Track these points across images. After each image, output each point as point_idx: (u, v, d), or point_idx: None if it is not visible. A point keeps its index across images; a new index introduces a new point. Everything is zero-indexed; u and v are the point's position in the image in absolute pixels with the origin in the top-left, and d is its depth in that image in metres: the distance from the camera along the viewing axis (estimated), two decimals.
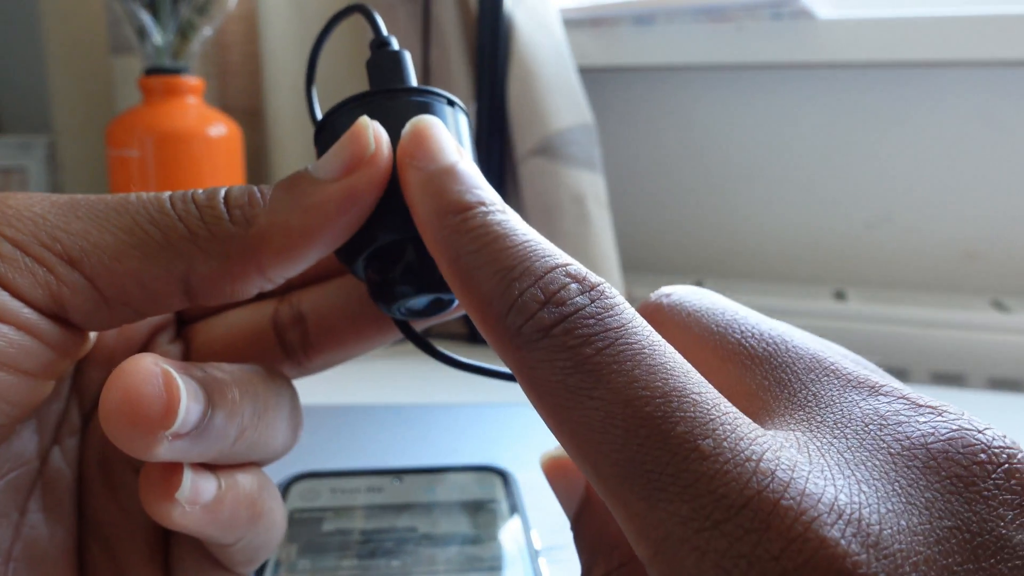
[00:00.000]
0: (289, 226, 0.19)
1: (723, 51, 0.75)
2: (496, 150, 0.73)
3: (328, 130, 0.22)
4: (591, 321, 0.16)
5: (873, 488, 0.13)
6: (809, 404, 0.16)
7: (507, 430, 0.49)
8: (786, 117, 0.78)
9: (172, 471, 0.18)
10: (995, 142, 0.73)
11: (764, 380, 0.17)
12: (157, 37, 0.64)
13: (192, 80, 0.65)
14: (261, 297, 0.23)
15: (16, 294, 0.17)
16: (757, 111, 0.78)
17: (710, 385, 0.15)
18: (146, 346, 0.23)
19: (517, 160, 0.72)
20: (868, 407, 0.15)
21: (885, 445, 0.14)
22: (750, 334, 0.18)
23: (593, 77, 0.76)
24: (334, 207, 0.19)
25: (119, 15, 0.65)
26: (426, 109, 0.22)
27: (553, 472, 0.21)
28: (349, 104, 0.22)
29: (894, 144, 0.75)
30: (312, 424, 0.51)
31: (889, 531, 0.13)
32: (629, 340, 0.15)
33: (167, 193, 0.19)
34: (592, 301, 0.16)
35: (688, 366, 0.15)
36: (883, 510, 0.13)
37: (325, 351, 0.24)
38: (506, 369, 0.24)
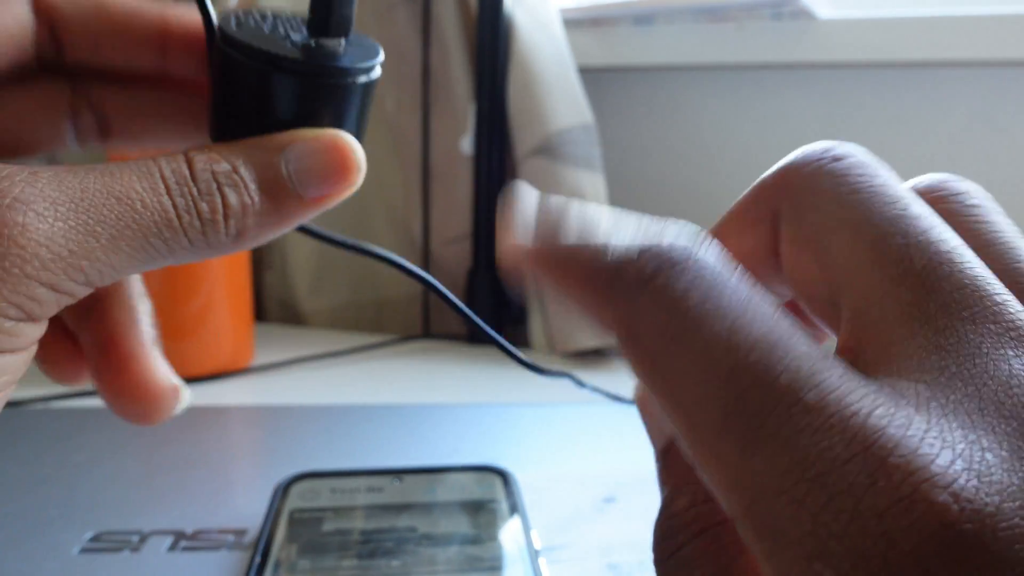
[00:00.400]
0: (269, 232, 0.21)
1: (723, 51, 0.75)
2: (496, 150, 0.73)
3: (234, 69, 0.21)
4: (693, 270, 0.15)
5: (999, 458, 0.12)
6: (950, 348, 0.14)
7: (507, 430, 0.49)
8: (786, 117, 0.78)
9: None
10: (996, 142, 0.73)
11: (909, 305, 0.15)
12: None
13: None
14: (45, 74, 0.23)
15: (35, 320, 0.18)
16: (757, 111, 0.78)
17: (814, 340, 0.14)
18: None
19: (517, 160, 0.72)
20: (1016, 365, 0.14)
21: (1016, 412, 0.13)
22: (916, 241, 0.16)
23: (593, 77, 0.76)
24: (306, 217, 0.21)
25: None
26: (340, 93, 0.22)
27: (644, 403, 0.21)
28: (270, 65, 0.21)
29: (894, 144, 0.75)
30: (312, 424, 0.51)
31: (1010, 505, 0.12)
32: (731, 289, 0.15)
33: (169, 198, 0.19)
34: (692, 254, 0.16)
35: (792, 318, 0.15)
36: (1007, 481, 0.12)
37: (120, 141, 0.25)
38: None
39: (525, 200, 0.19)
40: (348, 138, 0.21)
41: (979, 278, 0.15)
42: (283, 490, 0.37)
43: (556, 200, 0.19)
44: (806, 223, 0.18)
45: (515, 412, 0.51)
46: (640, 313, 0.15)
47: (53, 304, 0.18)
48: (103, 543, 0.36)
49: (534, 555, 0.33)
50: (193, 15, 0.23)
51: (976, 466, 0.12)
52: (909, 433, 0.12)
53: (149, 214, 0.19)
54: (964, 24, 0.68)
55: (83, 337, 0.23)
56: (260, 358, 0.67)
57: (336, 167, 0.21)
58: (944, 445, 0.12)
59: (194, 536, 0.36)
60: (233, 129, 0.22)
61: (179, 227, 0.19)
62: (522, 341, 0.77)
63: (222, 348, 0.63)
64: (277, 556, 0.33)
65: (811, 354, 0.14)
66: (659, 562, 0.17)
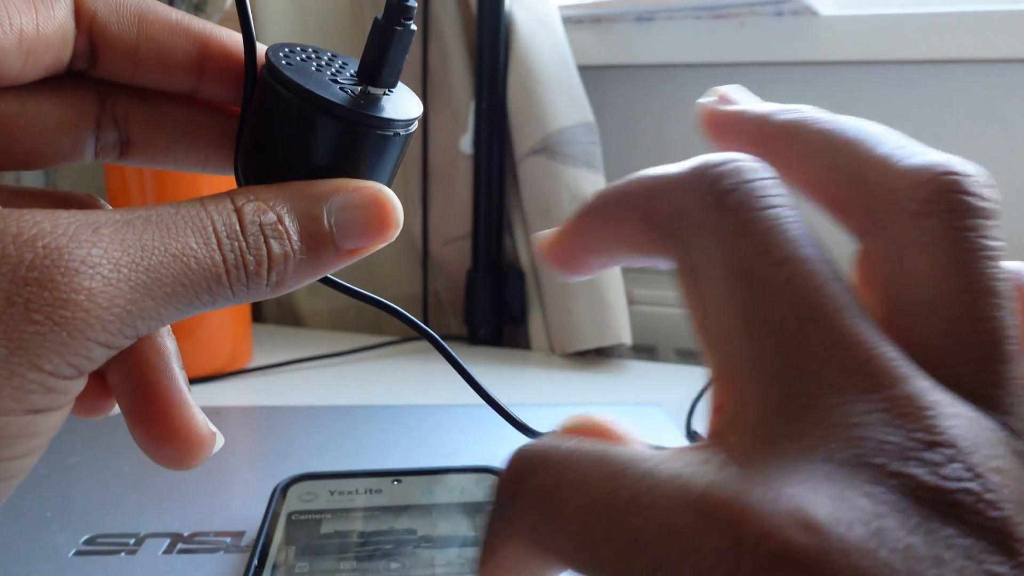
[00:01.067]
0: (304, 280, 0.21)
1: (725, 49, 0.75)
2: (496, 149, 0.73)
3: (279, 105, 0.21)
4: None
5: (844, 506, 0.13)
6: (790, 410, 0.15)
7: (507, 431, 0.49)
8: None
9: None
10: (999, 140, 0.72)
11: (756, 364, 0.15)
12: None
13: None
14: (73, 85, 0.23)
15: (84, 375, 0.18)
16: None
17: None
18: None
19: (517, 159, 0.72)
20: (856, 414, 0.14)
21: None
22: (778, 297, 0.16)
23: (594, 75, 0.76)
24: (341, 265, 0.21)
25: None
26: (382, 143, 0.22)
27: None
28: (318, 107, 0.21)
29: None
30: (311, 425, 0.51)
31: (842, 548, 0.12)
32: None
33: (220, 253, 0.19)
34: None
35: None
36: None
37: (138, 157, 0.24)
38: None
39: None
40: (389, 193, 0.21)
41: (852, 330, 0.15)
42: (281, 492, 0.37)
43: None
44: (694, 270, 0.17)
45: (515, 413, 0.51)
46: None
47: (103, 359, 0.18)
48: (99, 546, 0.35)
49: None
50: (235, 39, 0.23)
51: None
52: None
53: (202, 271, 0.19)
54: (967, 21, 0.68)
55: (112, 376, 0.23)
56: (259, 359, 0.66)
57: (377, 222, 0.21)
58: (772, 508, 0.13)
59: (191, 538, 0.36)
60: (267, 167, 0.22)
61: (226, 282, 0.19)
62: (522, 342, 0.76)
63: (221, 349, 0.63)
64: (275, 558, 0.32)
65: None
66: None
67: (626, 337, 0.69)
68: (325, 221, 0.20)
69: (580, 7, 0.78)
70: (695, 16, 0.75)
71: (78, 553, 0.35)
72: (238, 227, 0.19)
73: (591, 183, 0.70)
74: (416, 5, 0.22)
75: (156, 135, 0.24)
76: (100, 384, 0.23)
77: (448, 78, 0.75)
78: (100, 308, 0.17)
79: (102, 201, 0.24)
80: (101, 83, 0.23)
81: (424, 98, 0.75)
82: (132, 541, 0.36)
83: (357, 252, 0.21)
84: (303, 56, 0.22)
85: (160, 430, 0.22)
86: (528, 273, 0.75)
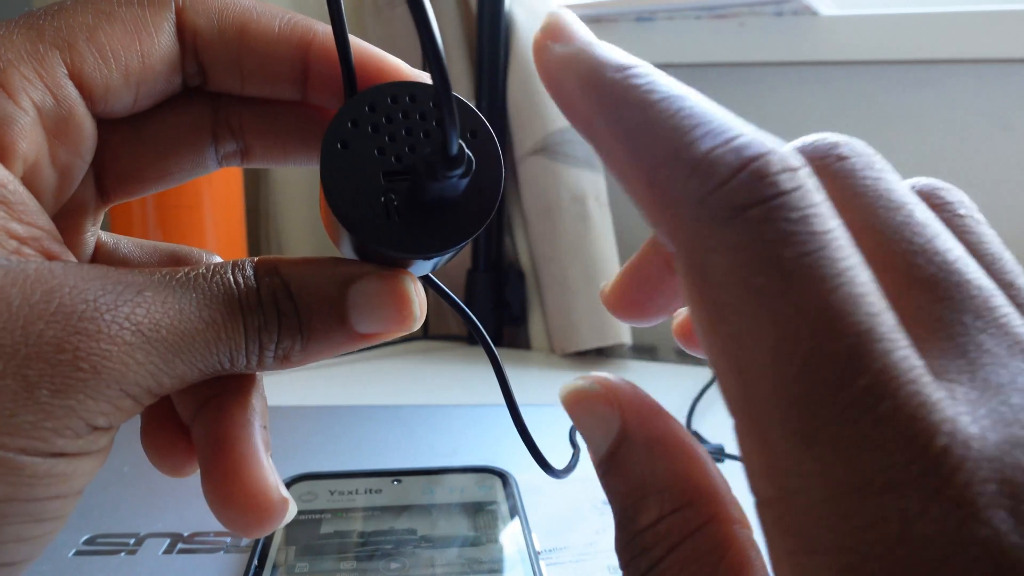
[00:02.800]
0: (316, 357, 0.21)
1: (725, 49, 0.75)
2: None
3: (344, 187, 0.19)
4: (794, 215, 0.13)
5: None
6: (971, 354, 0.14)
7: (507, 431, 0.49)
8: (789, 115, 0.77)
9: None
10: (1001, 140, 0.72)
11: (923, 311, 0.14)
12: None
13: None
14: (188, 103, 0.23)
15: (112, 428, 0.18)
16: (760, 109, 0.78)
17: (900, 327, 0.13)
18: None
19: (517, 159, 0.72)
20: None
21: None
22: (920, 248, 0.15)
23: None
24: (359, 346, 0.21)
25: None
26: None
27: (579, 406, 0.18)
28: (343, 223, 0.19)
29: (898, 143, 0.75)
30: (311, 425, 0.51)
31: None
32: (834, 254, 0.13)
33: (243, 334, 0.19)
34: (798, 187, 0.13)
35: (884, 302, 0.13)
36: None
37: (258, 161, 0.25)
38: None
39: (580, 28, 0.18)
40: (410, 288, 0.21)
41: (985, 288, 0.15)
42: None
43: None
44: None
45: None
46: (721, 247, 0.13)
47: (130, 413, 0.18)
48: (99, 546, 0.35)
49: (534, 557, 0.32)
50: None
51: (1018, 493, 0.12)
52: (966, 456, 0.12)
53: (227, 342, 0.19)
54: (968, 21, 0.68)
55: (195, 430, 0.22)
56: None
57: (394, 314, 0.21)
58: (992, 472, 0.12)
59: (191, 538, 0.36)
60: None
61: (243, 351, 0.20)
62: (522, 342, 0.76)
63: None
64: (275, 559, 0.32)
65: (897, 351, 0.13)
66: None
67: (626, 337, 0.69)
68: (342, 303, 0.20)
69: (580, 7, 0.78)
70: (695, 16, 0.75)
71: (78, 553, 0.35)
72: (259, 303, 0.20)
73: (591, 183, 0.70)
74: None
75: (271, 140, 0.24)
76: (183, 439, 0.23)
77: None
78: (137, 364, 0.18)
79: (211, 255, 0.25)
80: (215, 96, 0.23)
81: None
82: (132, 541, 0.36)
83: (373, 337, 0.21)
84: (373, 126, 0.20)
85: (229, 488, 0.21)
86: (528, 273, 0.75)
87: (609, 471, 0.17)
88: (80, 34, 0.20)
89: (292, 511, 0.22)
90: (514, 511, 0.36)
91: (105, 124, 0.22)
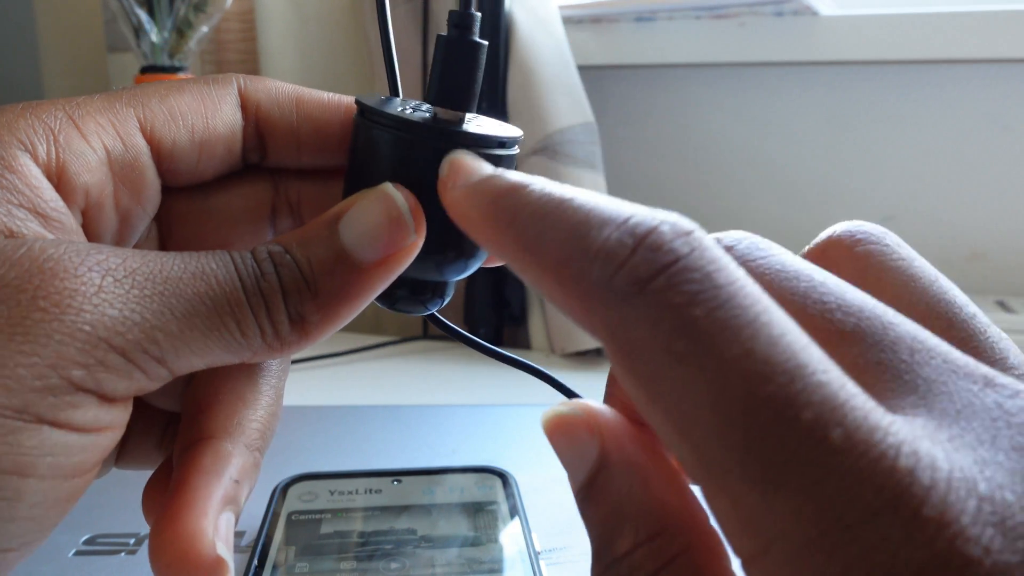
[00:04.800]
0: (337, 313, 0.20)
1: (725, 49, 0.75)
2: None
3: (365, 144, 0.22)
4: (696, 275, 0.13)
5: (1015, 495, 0.12)
6: (920, 388, 0.14)
7: (507, 431, 0.49)
8: (789, 115, 0.77)
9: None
10: (1001, 141, 0.72)
11: (860, 359, 0.15)
12: (154, 35, 0.64)
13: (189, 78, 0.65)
14: (249, 178, 0.24)
15: (111, 398, 0.17)
16: (759, 109, 0.78)
17: (830, 360, 0.13)
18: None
19: (517, 159, 0.72)
20: (988, 399, 0.14)
21: (1019, 445, 0.13)
22: (835, 306, 0.15)
23: (594, 76, 0.76)
24: (376, 284, 0.20)
25: (115, 13, 0.65)
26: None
27: (559, 432, 0.18)
28: (395, 128, 0.21)
29: (898, 143, 0.75)
30: (311, 425, 0.51)
31: None
32: (743, 302, 0.13)
33: (239, 282, 0.19)
34: (693, 249, 0.14)
35: (806, 337, 0.13)
36: None
37: None
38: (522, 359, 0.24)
39: (472, 161, 0.19)
40: (388, 187, 0.21)
41: (909, 327, 0.15)
42: (281, 492, 0.37)
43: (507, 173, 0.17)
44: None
45: (515, 413, 0.51)
46: (635, 322, 0.14)
47: (125, 377, 0.17)
48: (98, 546, 0.35)
49: (535, 557, 0.32)
50: None
51: (1000, 510, 0.12)
52: (936, 477, 0.12)
53: (222, 291, 0.18)
54: (968, 21, 0.68)
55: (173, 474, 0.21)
56: None
57: (380, 221, 0.20)
58: (968, 488, 0.12)
59: None
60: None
61: (247, 307, 0.19)
62: (522, 342, 0.76)
63: None
64: (275, 558, 0.32)
65: (833, 381, 0.13)
66: None
67: None
68: (335, 240, 0.20)
69: (580, 7, 0.78)
70: (695, 16, 0.75)
71: (78, 553, 0.35)
72: (251, 256, 0.19)
73: (591, 183, 0.70)
74: (478, 15, 0.21)
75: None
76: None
77: None
78: (110, 307, 0.17)
79: None
80: (274, 172, 0.24)
81: (424, 98, 0.75)
82: (132, 541, 0.36)
83: (385, 264, 0.20)
84: (410, 104, 0.22)
85: (163, 534, 0.19)
86: None
87: (587, 499, 0.17)
88: (152, 98, 0.21)
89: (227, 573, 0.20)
90: (514, 511, 0.36)
91: (173, 192, 0.23)
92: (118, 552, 0.35)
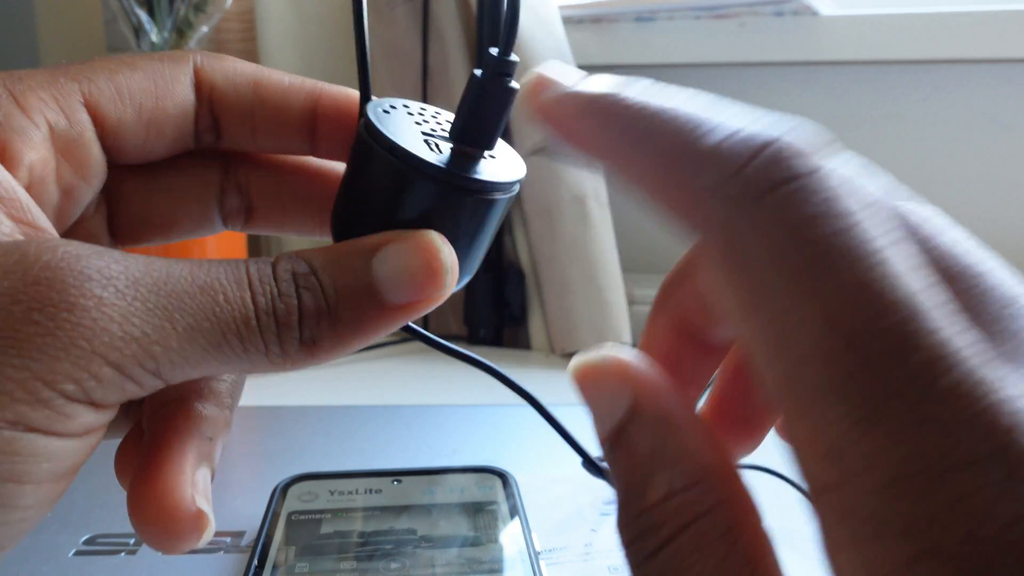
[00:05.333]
0: (350, 343, 0.19)
1: (725, 49, 0.75)
2: None
3: (377, 172, 0.20)
4: (820, 196, 0.13)
5: None
6: (1010, 341, 0.13)
7: (507, 431, 0.49)
8: (788, 115, 0.77)
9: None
10: (1000, 140, 0.72)
11: (992, 309, 0.14)
12: (153, 35, 0.64)
13: None
14: (200, 157, 0.24)
15: (100, 407, 0.17)
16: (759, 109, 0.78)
17: (954, 304, 0.13)
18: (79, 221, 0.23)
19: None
20: None
21: None
22: (935, 243, 0.15)
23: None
24: (394, 324, 0.20)
25: (115, 12, 0.65)
26: (485, 208, 0.21)
27: (589, 380, 0.18)
28: (415, 169, 0.20)
29: (898, 143, 0.75)
30: (311, 425, 0.51)
31: None
32: (866, 233, 0.13)
33: (251, 294, 0.18)
34: (817, 169, 0.13)
35: (933, 277, 0.13)
36: None
37: (261, 226, 0.25)
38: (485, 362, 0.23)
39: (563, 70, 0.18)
40: (436, 238, 0.20)
41: (1009, 279, 0.15)
42: (281, 492, 0.37)
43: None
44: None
45: (515, 413, 0.51)
46: (752, 229, 0.13)
47: (117, 389, 0.17)
48: (98, 546, 0.35)
49: (535, 557, 0.32)
50: (347, 95, 0.23)
51: None
52: None
53: (230, 308, 0.18)
54: (967, 21, 0.68)
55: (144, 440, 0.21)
56: None
57: (423, 268, 0.19)
58: None
59: None
60: (357, 224, 0.21)
61: (256, 328, 0.18)
62: (522, 342, 0.76)
63: None
64: (275, 558, 0.32)
65: (949, 327, 0.12)
66: (637, 564, 0.15)
67: (626, 337, 0.69)
68: (367, 273, 0.19)
69: (580, 7, 0.78)
70: (695, 16, 0.75)
71: (78, 553, 0.35)
72: (271, 272, 0.19)
73: (591, 183, 0.70)
74: (518, 61, 0.20)
75: (274, 202, 0.24)
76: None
77: (448, 78, 0.75)
78: (110, 321, 0.16)
79: None
80: (226, 155, 0.24)
81: (424, 98, 0.75)
82: (132, 541, 0.36)
83: (408, 308, 0.19)
84: (405, 110, 0.21)
85: (139, 494, 0.19)
86: (528, 273, 0.75)
87: (616, 445, 0.17)
88: (100, 74, 0.21)
89: (209, 529, 0.20)
90: (514, 511, 0.36)
91: (121, 169, 0.22)
92: (118, 552, 0.35)
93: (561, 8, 0.75)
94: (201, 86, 0.22)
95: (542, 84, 0.18)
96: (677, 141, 0.15)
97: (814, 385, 0.12)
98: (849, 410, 0.12)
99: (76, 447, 0.17)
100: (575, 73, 0.18)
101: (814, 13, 0.71)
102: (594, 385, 0.18)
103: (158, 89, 0.21)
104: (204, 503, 0.19)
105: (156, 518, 0.19)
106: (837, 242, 0.13)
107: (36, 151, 0.19)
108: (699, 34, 0.75)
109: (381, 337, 0.20)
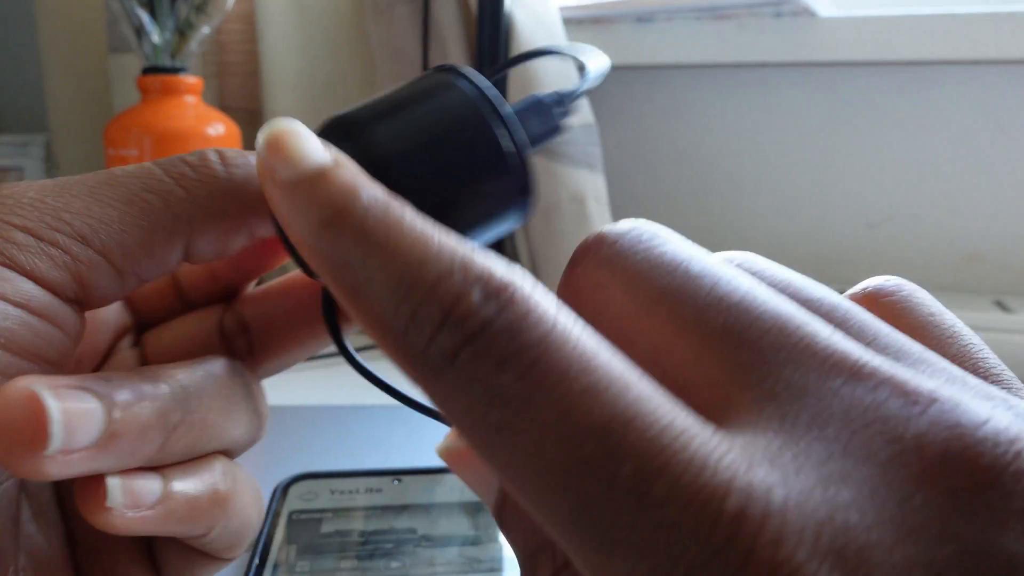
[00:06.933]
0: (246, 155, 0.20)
1: (724, 49, 0.75)
2: None
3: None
4: (504, 338, 0.13)
5: (860, 513, 0.11)
6: (780, 394, 0.13)
7: None
8: (787, 116, 0.77)
9: (95, 482, 0.18)
10: (998, 141, 0.72)
11: (725, 363, 0.14)
12: (155, 36, 0.64)
13: (191, 79, 0.65)
14: (209, 303, 0.24)
15: (37, 279, 0.17)
16: (758, 110, 0.78)
17: (658, 389, 0.13)
18: (109, 352, 0.23)
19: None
20: (849, 396, 0.13)
21: (872, 450, 0.12)
22: (705, 302, 0.14)
23: None
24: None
25: (117, 14, 0.65)
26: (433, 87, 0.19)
27: (459, 464, 0.18)
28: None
29: (896, 143, 0.75)
30: (311, 425, 0.51)
31: (882, 571, 0.11)
32: (554, 357, 0.13)
33: (151, 162, 0.19)
34: (502, 309, 0.13)
35: (631, 372, 0.13)
36: (874, 539, 0.11)
37: (268, 358, 0.24)
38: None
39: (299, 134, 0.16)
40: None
41: (780, 315, 0.14)
42: (282, 491, 0.37)
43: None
44: (601, 320, 0.15)
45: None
46: (451, 395, 0.13)
47: (43, 258, 0.17)
48: None
49: None
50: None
51: (842, 533, 0.11)
52: (771, 507, 0.11)
53: (126, 173, 0.18)
54: (966, 22, 0.68)
55: None
56: None
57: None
58: (806, 519, 0.11)
59: None
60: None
61: (166, 178, 0.18)
62: None
63: None
64: (276, 558, 0.33)
65: (655, 421, 0.12)
66: None
67: None
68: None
69: (580, 7, 0.78)
70: (695, 17, 0.75)
71: None
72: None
73: (591, 183, 0.70)
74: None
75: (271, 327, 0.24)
76: None
77: None
78: (8, 196, 0.17)
79: None
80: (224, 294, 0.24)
81: None
82: None
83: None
84: None
85: None
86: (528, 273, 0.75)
87: (503, 526, 0.17)
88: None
89: (53, 424, 0.16)
90: None
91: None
92: None
93: (561, 8, 0.75)
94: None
95: (272, 155, 0.16)
96: (388, 295, 0.14)
97: (557, 523, 0.12)
98: (589, 541, 0.12)
99: (8, 313, 0.17)
100: (311, 146, 0.16)
101: (813, 14, 0.72)
102: (464, 466, 0.18)
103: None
104: (50, 397, 0.16)
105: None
106: (524, 382, 0.12)
107: None
108: (698, 35, 0.75)
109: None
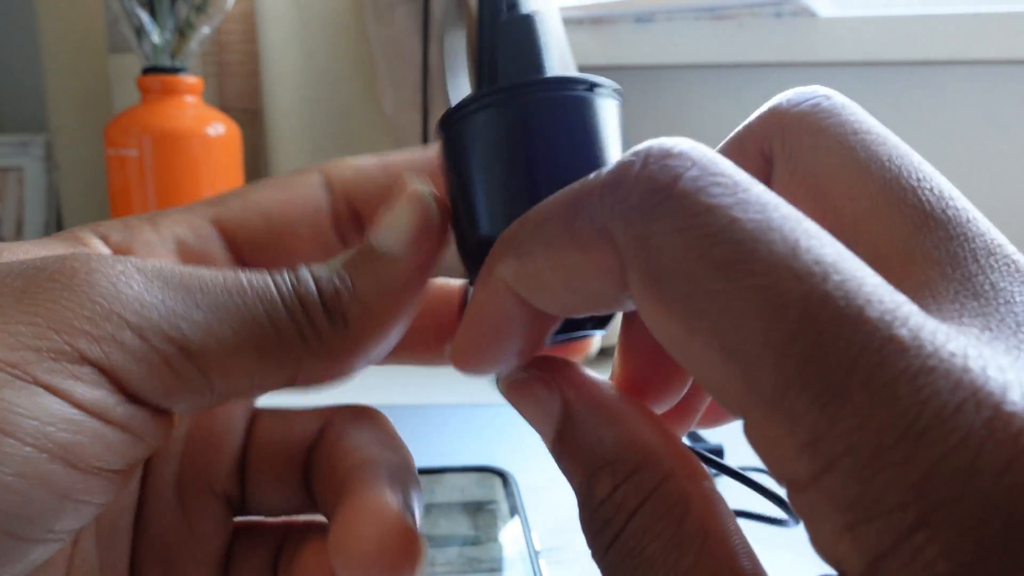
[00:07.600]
0: (378, 315, 0.19)
1: (724, 50, 0.75)
2: None
3: (455, 137, 0.20)
4: (719, 177, 0.13)
5: None
6: (987, 295, 0.13)
7: (507, 431, 0.49)
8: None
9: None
10: (998, 141, 0.72)
11: (935, 249, 0.14)
12: (155, 36, 0.64)
13: (191, 79, 0.65)
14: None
15: (126, 387, 0.16)
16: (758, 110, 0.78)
17: (868, 267, 0.12)
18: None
19: None
20: None
21: None
22: (928, 186, 0.14)
23: None
24: (412, 284, 0.19)
25: (117, 14, 0.65)
26: (558, 106, 0.20)
27: (518, 395, 0.18)
28: (470, 106, 0.20)
29: None
30: None
31: None
32: (771, 205, 0.12)
33: (272, 280, 0.18)
34: (702, 155, 0.13)
35: (836, 243, 0.12)
36: None
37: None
38: None
39: None
40: (416, 185, 0.20)
41: (992, 231, 0.14)
42: None
43: None
44: (803, 165, 0.16)
45: (515, 413, 0.51)
46: (662, 236, 0.13)
47: (143, 366, 0.16)
48: None
49: (534, 556, 0.32)
50: None
51: None
52: (1008, 378, 0.11)
53: (254, 293, 0.17)
54: (966, 22, 0.68)
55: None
56: None
57: (407, 215, 0.19)
58: None
59: None
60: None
61: (282, 307, 0.18)
62: None
63: None
64: None
65: (885, 282, 0.12)
66: (600, 559, 0.15)
67: None
68: (364, 244, 0.19)
69: (580, 7, 0.78)
70: (695, 17, 0.75)
71: None
72: (287, 271, 0.19)
73: None
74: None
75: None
76: None
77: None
78: (128, 287, 0.16)
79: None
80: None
81: (424, 98, 0.75)
82: None
83: (410, 258, 0.19)
84: None
85: (339, 530, 0.19)
86: None
87: (561, 453, 0.17)
88: (233, 196, 0.22)
89: (423, 555, 0.19)
90: (514, 510, 0.36)
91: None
92: None
93: (561, 8, 0.75)
94: (332, 182, 0.23)
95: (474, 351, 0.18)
96: (567, 195, 0.14)
97: (773, 381, 0.12)
98: (816, 394, 0.11)
99: (79, 423, 0.15)
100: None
101: (813, 14, 0.72)
102: (524, 397, 0.18)
103: (283, 193, 0.22)
104: (413, 524, 0.19)
105: (361, 545, 0.18)
106: (752, 218, 0.12)
107: (160, 257, 0.20)
108: (699, 35, 0.75)
109: (412, 304, 0.20)
